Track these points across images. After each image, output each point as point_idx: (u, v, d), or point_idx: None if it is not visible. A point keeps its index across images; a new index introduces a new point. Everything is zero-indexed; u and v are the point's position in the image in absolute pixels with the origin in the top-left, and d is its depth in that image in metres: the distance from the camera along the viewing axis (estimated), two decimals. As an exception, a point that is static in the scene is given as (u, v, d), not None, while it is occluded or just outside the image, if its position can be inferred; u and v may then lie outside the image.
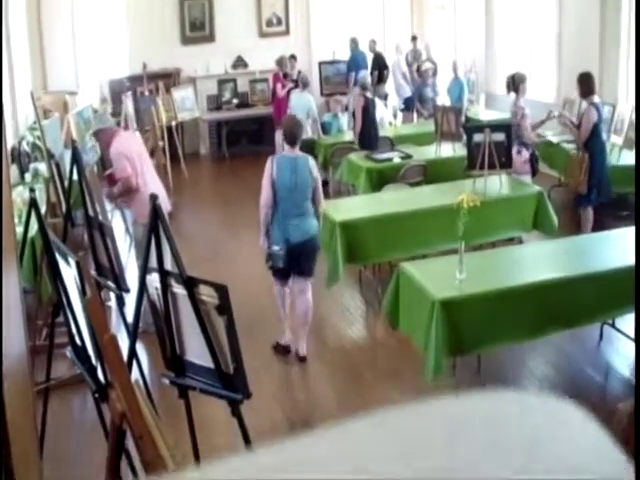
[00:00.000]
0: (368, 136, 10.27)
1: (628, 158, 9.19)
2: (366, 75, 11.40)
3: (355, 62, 14.61)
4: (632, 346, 6.00)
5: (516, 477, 0.48)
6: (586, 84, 8.14)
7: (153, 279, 3.93)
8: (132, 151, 6.80)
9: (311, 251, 6.24)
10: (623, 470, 0.53)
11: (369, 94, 10.52)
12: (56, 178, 7.25)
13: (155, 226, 3.84)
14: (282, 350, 6.46)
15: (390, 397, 5.61)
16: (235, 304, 3.63)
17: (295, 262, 6.13)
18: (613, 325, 6.21)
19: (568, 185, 8.11)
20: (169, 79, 14.29)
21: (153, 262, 3.87)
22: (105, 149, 7.22)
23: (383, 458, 0.50)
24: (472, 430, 0.53)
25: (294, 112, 10.46)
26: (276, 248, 6.08)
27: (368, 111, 10.35)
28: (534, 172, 8.50)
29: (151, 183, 6.84)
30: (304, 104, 10.91)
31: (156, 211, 3.82)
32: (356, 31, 15.70)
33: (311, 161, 6.31)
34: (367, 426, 0.56)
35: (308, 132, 10.79)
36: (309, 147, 10.90)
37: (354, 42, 14.81)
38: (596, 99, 8.41)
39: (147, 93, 12.59)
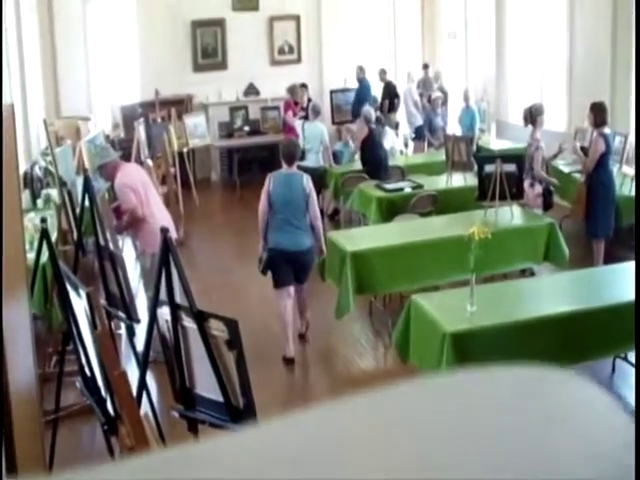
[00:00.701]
0: (375, 167, 10.31)
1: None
2: (369, 107, 11.39)
3: (361, 92, 14.58)
4: (644, 380, 5.97)
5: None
6: (599, 113, 8.14)
7: (163, 312, 3.92)
8: (136, 182, 6.80)
9: (304, 262, 6.85)
10: None
11: (373, 125, 10.57)
12: (67, 205, 7.27)
13: (166, 258, 3.84)
14: (288, 360, 6.81)
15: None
16: (246, 335, 3.62)
17: (290, 270, 6.77)
18: (625, 359, 6.16)
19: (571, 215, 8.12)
20: (181, 105, 14.36)
21: (163, 294, 3.86)
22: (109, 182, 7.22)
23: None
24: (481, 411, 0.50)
25: (306, 141, 10.55)
26: (264, 255, 6.79)
27: (372, 142, 10.43)
28: (547, 206, 8.44)
29: (157, 213, 6.86)
30: (316, 133, 10.92)
31: (167, 243, 3.83)
32: (367, 59, 15.78)
33: (305, 178, 6.90)
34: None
35: (320, 161, 10.84)
36: (320, 176, 10.93)
37: (361, 70, 14.81)
38: (607, 130, 8.41)
39: (159, 119, 12.67)
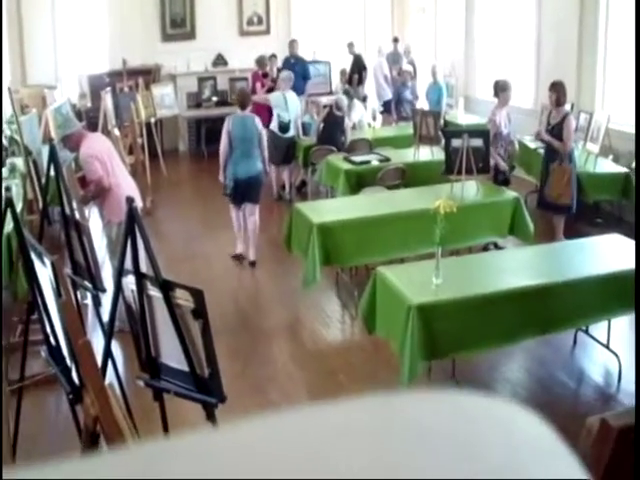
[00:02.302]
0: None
1: (603, 166, 9.28)
2: (343, 97, 11.44)
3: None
4: (604, 353, 6.07)
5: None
6: (562, 92, 8.15)
7: (129, 281, 3.92)
8: (102, 152, 6.74)
9: (255, 184, 8.52)
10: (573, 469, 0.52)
11: (338, 112, 10.78)
12: (33, 175, 7.21)
13: (131, 229, 3.83)
14: (237, 257, 8.71)
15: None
16: (212, 305, 3.63)
17: (245, 192, 8.44)
18: (587, 332, 6.26)
19: (552, 197, 8.06)
20: (149, 76, 14.24)
21: (129, 264, 3.86)
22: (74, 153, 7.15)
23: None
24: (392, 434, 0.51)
25: (290, 112, 10.67)
26: (228, 182, 8.41)
27: (331, 125, 10.76)
28: (502, 182, 8.43)
29: (123, 182, 6.81)
30: (295, 104, 11.06)
31: (132, 213, 3.82)
32: (336, 31, 15.74)
33: (256, 119, 8.58)
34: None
35: (293, 132, 11.00)
36: (290, 147, 10.97)
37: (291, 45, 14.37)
38: (567, 107, 8.45)
39: (126, 89, 12.55)
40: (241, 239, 8.73)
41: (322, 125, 10.77)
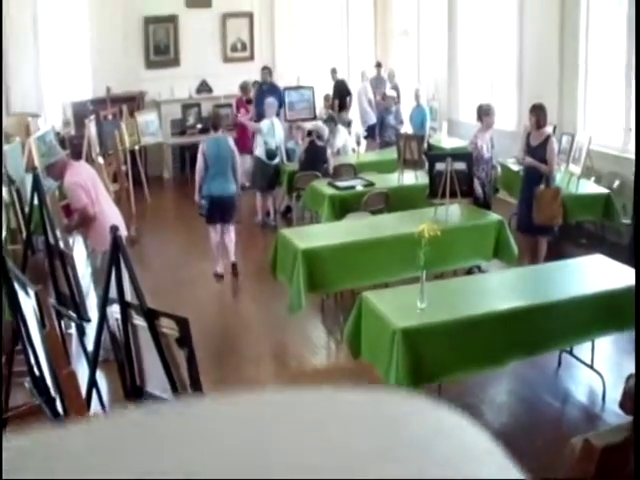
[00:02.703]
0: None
1: (586, 187, 9.35)
2: (323, 125, 11.49)
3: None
4: (588, 373, 6.09)
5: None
6: (542, 115, 8.19)
7: (113, 310, 3.92)
8: (86, 180, 6.73)
9: (229, 204, 8.90)
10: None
11: (319, 142, 10.82)
12: (16, 203, 7.19)
13: (116, 257, 3.83)
14: (218, 276, 9.03)
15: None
16: (197, 334, 3.63)
17: (219, 212, 8.81)
18: (571, 353, 6.28)
19: (543, 220, 8.04)
20: (133, 103, 14.26)
21: (113, 293, 3.86)
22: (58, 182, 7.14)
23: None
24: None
25: (277, 138, 10.90)
26: (203, 202, 8.80)
27: (311, 155, 10.77)
28: (483, 204, 8.47)
29: (107, 211, 6.80)
30: (280, 130, 11.17)
31: (117, 242, 3.82)
32: (320, 57, 15.84)
33: (229, 139, 9.08)
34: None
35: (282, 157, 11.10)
36: (275, 174, 11.03)
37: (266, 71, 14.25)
38: (548, 129, 8.50)
39: (110, 117, 12.56)
40: (220, 258, 9.08)
41: (304, 155, 10.81)
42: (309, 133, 11.10)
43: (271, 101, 11.21)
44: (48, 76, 14.29)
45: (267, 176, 11.00)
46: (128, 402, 3.99)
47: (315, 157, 10.66)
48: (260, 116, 11.98)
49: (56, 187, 7.85)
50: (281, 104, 13.38)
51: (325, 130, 11.00)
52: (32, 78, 13.94)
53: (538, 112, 8.17)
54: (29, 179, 6.78)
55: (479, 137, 8.57)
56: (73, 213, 6.74)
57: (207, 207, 8.78)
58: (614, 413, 5.24)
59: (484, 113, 8.66)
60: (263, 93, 13.13)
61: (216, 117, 9.66)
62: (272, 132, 10.94)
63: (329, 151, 10.99)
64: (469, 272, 8.17)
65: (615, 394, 4.98)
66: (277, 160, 11.03)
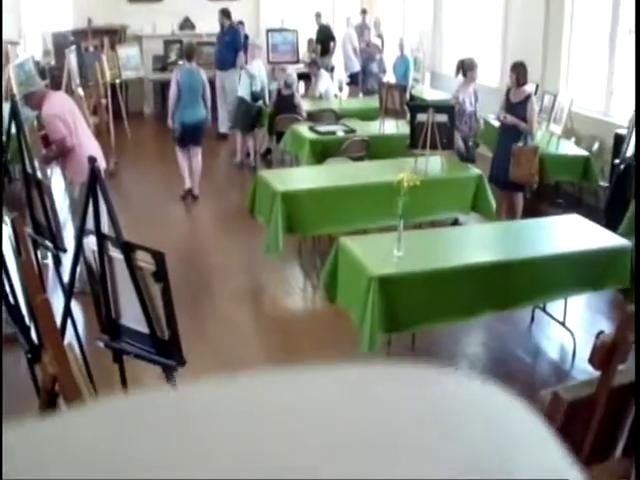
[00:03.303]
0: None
1: (565, 147, 9.37)
2: (292, 73, 11.38)
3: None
4: (560, 330, 6.17)
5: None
6: (522, 73, 8.13)
7: (90, 242, 3.89)
8: (64, 111, 6.62)
9: (200, 128, 9.62)
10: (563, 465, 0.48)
11: (285, 92, 10.74)
12: (-7, 131, 7.08)
13: (93, 188, 3.79)
14: (187, 192, 9.69)
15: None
16: (174, 269, 3.62)
17: (190, 136, 9.50)
18: (544, 309, 6.35)
19: (521, 177, 8.03)
20: (114, 36, 14.05)
21: (90, 224, 3.83)
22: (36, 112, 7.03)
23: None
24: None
25: (259, 80, 10.85)
26: (176, 127, 9.48)
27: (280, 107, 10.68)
28: (466, 158, 8.47)
29: (86, 142, 6.71)
30: (262, 73, 11.11)
31: (94, 173, 3.78)
32: (305, 1, 15.65)
33: (201, 71, 9.69)
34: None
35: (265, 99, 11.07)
36: (256, 114, 10.96)
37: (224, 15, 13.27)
38: (528, 87, 8.46)
39: (91, 49, 12.37)
40: (187, 176, 9.72)
41: (273, 108, 10.68)
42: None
43: (258, 43, 11.14)
44: (28, 3, 14.01)
45: (249, 117, 10.95)
46: (103, 334, 3.98)
47: (284, 106, 10.56)
48: (221, 63, 11.81)
49: (35, 117, 7.74)
50: (236, 49, 12.84)
51: (292, 76, 10.92)
52: (12, 5, 13.64)
53: (519, 69, 8.12)
54: (7, 107, 6.67)
55: (461, 91, 8.55)
56: (51, 144, 6.65)
57: (180, 131, 9.45)
58: (583, 370, 5.31)
59: (468, 67, 8.62)
60: (221, 36, 13.00)
61: (190, 49, 10.02)
62: (257, 73, 10.89)
63: (297, 97, 10.92)
64: (454, 223, 8.18)
65: (585, 351, 5.04)
66: (260, 101, 10.97)
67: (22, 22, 13.90)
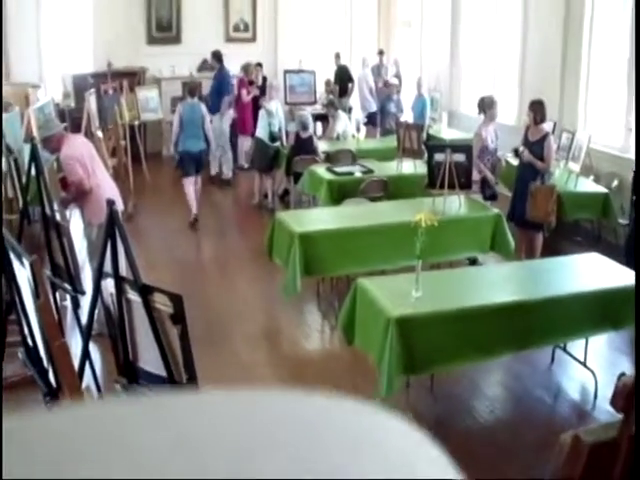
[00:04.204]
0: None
1: (584, 185, 9.35)
2: (307, 114, 11.45)
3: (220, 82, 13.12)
4: (581, 370, 6.10)
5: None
6: (540, 111, 8.13)
7: (108, 284, 3.89)
8: (82, 153, 6.69)
9: (200, 157, 10.61)
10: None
11: (303, 134, 10.72)
12: (14, 173, 7.15)
13: (111, 231, 3.81)
14: (194, 221, 10.36)
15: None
16: (191, 312, 3.60)
17: (193, 164, 10.41)
18: (564, 349, 6.29)
19: (538, 216, 8.00)
20: (134, 78, 14.19)
21: (108, 267, 3.84)
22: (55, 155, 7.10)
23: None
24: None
25: (271, 120, 10.96)
26: (178, 156, 10.51)
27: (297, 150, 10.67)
28: (489, 197, 8.47)
29: (104, 184, 6.77)
30: (280, 112, 11.26)
31: (113, 215, 3.79)
32: (322, 42, 15.79)
33: (202, 105, 10.70)
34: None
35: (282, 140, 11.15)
36: (274, 155, 11.02)
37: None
38: (546, 126, 8.46)
39: (111, 91, 12.48)
40: (194, 204, 10.47)
41: (291, 152, 10.71)
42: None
43: (277, 84, 11.26)
44: (49, 47, 14.23)
45: (267, 158, 11.02)
46: (120, 377, 3.97)
47: (303, 149, 10.59)
48: (209, 108, 11.87)
49: (54, 159, 7.82)
50: (220, 93, 12.87)
51: (309, 119, 10.96)
52: (33, 48, 13.86)
53: (536, 108, 8.13)
54: (27, 149, 6.74)
55: (483, 129, 8.56)
56: (70, 186, 6.70)
57: (179, 160, 10.55)
58: (605, 411, 5.25)
59: (487, 106, 8.65)
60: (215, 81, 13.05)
61: (193, 86, 11.13)
62: (275, 114, 10.97)
63: (315, 140, 10.98)
64: (472, 263, 8.15)
65: (607, 392, 4.99)
66: (277, 142, 11.04)
67: (43, 65, 14.08)
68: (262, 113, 11.18)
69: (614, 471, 3.44)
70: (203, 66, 15.29)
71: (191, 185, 10.46)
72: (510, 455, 5.05)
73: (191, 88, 10.88)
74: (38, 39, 14.01)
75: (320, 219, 7.91)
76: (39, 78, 13.63)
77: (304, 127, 10.68)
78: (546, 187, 8.02)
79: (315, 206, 9.60)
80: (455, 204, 7.88)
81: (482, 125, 8.62)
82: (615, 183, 9.45)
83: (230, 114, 12.89)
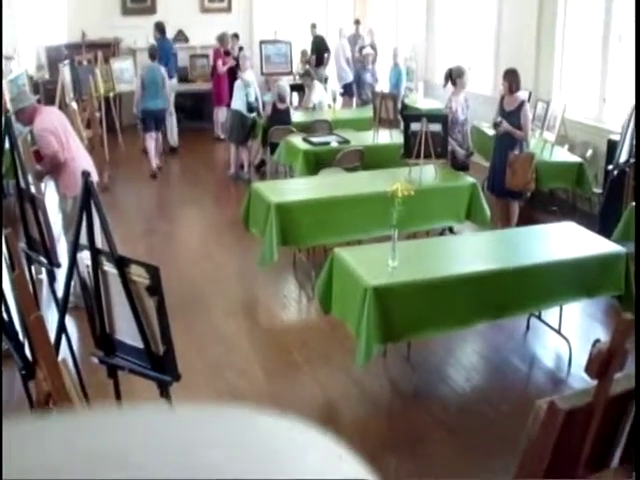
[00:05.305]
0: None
1: (559, 155, 9.38)
2: (285, 84, 11.43)
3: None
4: (556, 338, 6.16)
5: None
6: (515, 80, 8.15)
7: (84, 256, 3.88)
8: (56, 125, 6.61)
9: (161, 115, 11.71)
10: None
11: (280, 105, 10.71)
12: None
13: (87, 203, 3.78)
14: (153, 174, 11.30)
15: (318, 378, 5.67)
16: (168, 283, 3.60)
17: (153, 121, 11.42)
18: (539, 317, 6.35)
19: (517, 185, 8.05)
20: (108, 49, 14.06)
21: (84, 239, 3.82)
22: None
23: None
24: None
25: (248, 90, 10.72)
26: (140, 115, 11.47)
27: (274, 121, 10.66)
28: (461, 167, 8.51)
29: (78, 156, 6.71)
30: (254, 83, 11.19)
31: (88, 187, 3.77)
32: (298, 12, 15.68)
33: (162, 68, 11.63)
34: None
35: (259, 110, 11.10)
36: (251, 126, 10.97)
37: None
38: (521, 94, 8.47)
39: (85, 62, 12.38)
40: (154, 157, 11.43)
41: (268, 122, 10.68)
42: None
43: (249, 54, 11.22)
44: (23, 19, 14.01)
45: (244, 129, 10.97)
46: (97, 350, 3.97)
47: (280, 120, 10.56)
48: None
49: (28, 132, 7.75)
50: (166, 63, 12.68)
51: (287, 90, 10.94)
52: (6, 19, 13.61)
53: (510, 77, 8.15)
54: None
55: (453, 100, 8.57)
56: (44, 158, 6.64)
57: (142, 118, 11.47)
58: (580, 378, 5.32)
59: (456, 75, 8.65)
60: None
61: (153, 49, 11.82)
62: (251, 85, 10.92)
63: (292, 111, 10.97)
64: (441, 234, 8.21)
65: (581, 359, 5.05)
66: (254, 113, 10.98)
67: (16, 36, 13.89)
68: (238, 84, 11.10)
69: (587, 436, 3.49)
70: (178, 37, 15.16)
71: (152, 140, 11.42)
72: (486, 423, 5.11)
73: (151, 52, 11.67)
74: (10, 9, 13.79)
75: (296, 189, 7.90)
76: (13, 50, 13.44)
77: (281, 98, 10.64)
78: (524, 155, 8.07)
79: (291, 176, 9.59)
80: (431, 174, 7.90)
81: (452, 96, 8.63)
82: (589, 152, 9.50)
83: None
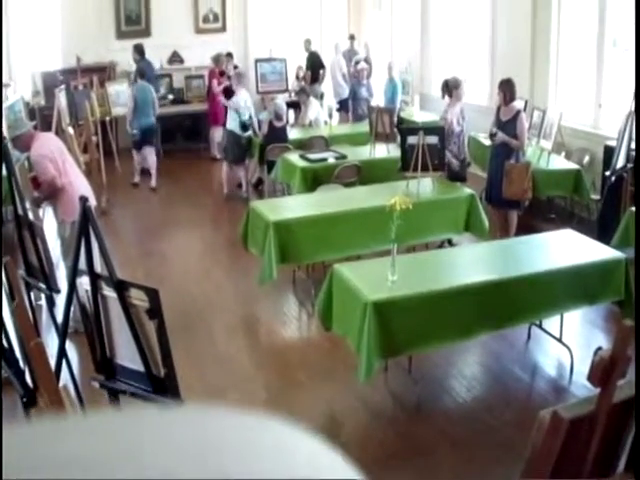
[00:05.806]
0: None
1: (556, 162, 9.40)
2: (282, 102, 11.42)
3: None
4: (558, 346, 6.16)
5: None
6: (510, 90, 8.18)
7: (83, 281, 3.89)
8: (53, 151, 6.63)
9: (152, 132, 12.09)
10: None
11: (277, 123, 10.72)
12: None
13: (85, 227, 3.80)
14: (135, 185, 12.06)
15: (321, 395, 5.67)
16: (168, 305, 3.60)
17: (145, 137, 11.90)
18: (540, 326, 6.34)
19: (514, 194, 8.07)
20: (103, 73, 14.08)
21: (83, 264, 3.83)
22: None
23: None
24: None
25: (242, 110, 10.74)
26: (135, 132, 11.87)
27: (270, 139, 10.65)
28: (459, 178, 8.54)
29: (76, 181, 6.72)
30: (249, 101, 11.16)
31: (86, 212, 3.78)
32: (293, 29, 15.74)
33: (152, 87, 12.18)
34: None
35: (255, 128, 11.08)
36: (247, 144, 10.97)
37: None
38: (517, 104, 8.50)
39: (81, 87, 12.40)
40: (138, 173, 12.18)
41: (265, 140, 10.69)
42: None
43: (244, 73, 11.21)
44: (18, 45, 14.06)
45: (240, 148, 10.97)
46: (98, 374, 3.97)
47: (277, 138, 10.57)
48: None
49: (25, 158, 7.77)
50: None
51: (283, 108, 10.93)
52: (1, 46, 13.70)
53: (505, 87, 8.18)
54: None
55: (449, 111, 8.60)
56: (41, 184, 6.66)
57: (139, 135, 11.82)
58: (582, 386, 5.31)
59: (453, 86, 8.69)
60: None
61: (142, 70, 12.34)
62: (244, 104, 10.91)
63: (288, 128, 10.98)
64: (440, 246, 8.21)
65: (583, 367, 5.05)
66: (249, 132, 10.99)
67: (12, 63, 13.94)
68: (229, 107, 11.15)
69: (591, 444, 3.48)
70: (173, 58, 15.22)
71: (138, 154, 12.09)
72: (489, 432, 5.10)
73: (141, 72, 12.22)
74: (7, 37, 13.84)
75: (294, 206, 7.91)
76: (8, 77, 13.49)
77: (278, 116, 10.66)
78: (521, 165, 8.09)
79: (289, 194, 9.60)
80: (429, 186, 7.92)
81: (448, 108, 8.67)
82: (586, 159, 9.51)
83: None
